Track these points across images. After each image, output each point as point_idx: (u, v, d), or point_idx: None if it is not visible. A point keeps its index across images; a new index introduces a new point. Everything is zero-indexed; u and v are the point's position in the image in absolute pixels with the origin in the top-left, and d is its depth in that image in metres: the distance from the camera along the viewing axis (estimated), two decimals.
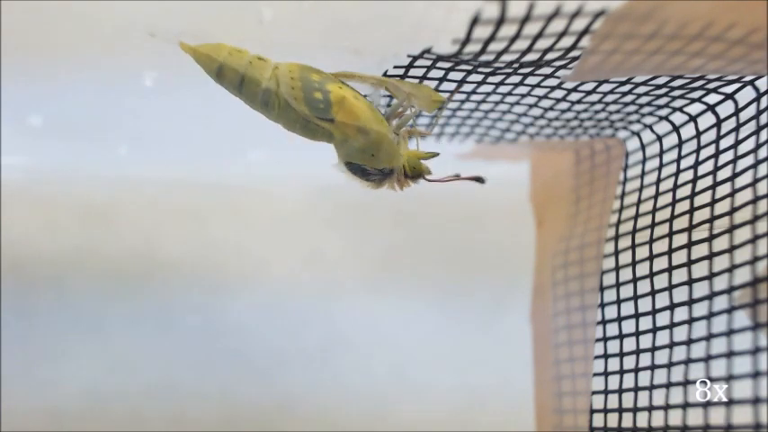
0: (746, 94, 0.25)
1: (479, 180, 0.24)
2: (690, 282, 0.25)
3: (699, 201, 0.26)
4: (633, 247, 0.28)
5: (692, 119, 0.27)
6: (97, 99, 0.40)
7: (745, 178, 0.24)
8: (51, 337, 0.46)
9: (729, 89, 0.26)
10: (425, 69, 0.25)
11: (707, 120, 0.27)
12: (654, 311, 0.26)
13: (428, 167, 0.25)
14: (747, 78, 0.25)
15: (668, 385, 0.24)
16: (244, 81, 0.23)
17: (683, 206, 0.26)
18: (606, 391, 0.28)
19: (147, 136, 0.43)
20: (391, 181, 0.25)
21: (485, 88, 0.27)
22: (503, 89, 0.27)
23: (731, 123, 0.25)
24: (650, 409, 0.25)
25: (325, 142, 0.25)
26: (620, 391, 0.27)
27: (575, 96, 0.28)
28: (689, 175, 0.27)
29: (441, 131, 0.32)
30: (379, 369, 0.48)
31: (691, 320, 0.24)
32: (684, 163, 0.27)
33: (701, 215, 0.25)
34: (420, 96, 0.25)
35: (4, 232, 0.45)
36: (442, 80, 0.26)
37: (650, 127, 0.30)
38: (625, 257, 0.28)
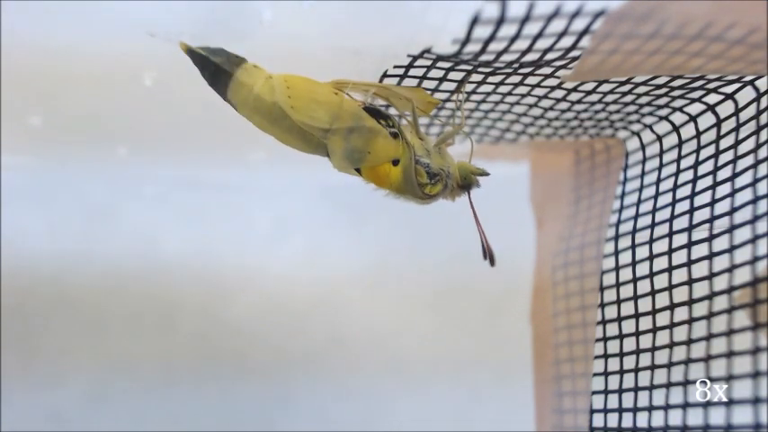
0: (746, 94, 0.25)
1: (490, 256, 0.25)
2: (690, 282, 0.25)
3: (699, 201, 0.26)
4: (633, 247, 0.28)
5: (692, 119, 0.27)
6: (97, 99, 0.40)
7: (745, 178, 0.24)
8: (51, 337, 0.46)
9: (729, 89, 0.26)
10: (425, 69, 0.25)
11: (707, 120, 0.27)
12: (654, 311, 0.26)
13: (478, 181, 0.26)
14: (747, 78, 0.25)
15: (668, 385, 0.24)
16: (237, 85, 0.23)
17: (683, 206, 0.26)
18: (606, 391, 0.28)
19: (147, 136, 0.43)
20: (446, 191, 0.25)
21: (485, 88, 0.27)
22: (503, 89, 0.27)
23: (731, 123, 0.25)
24: (650, 409, 0.25)
25: (318, 154, 0.25)
26: (620, 391, 0.27)
27: (575, 96, 0.28)
28: (689, 175, 0.27)
29: (441, 131, 0.32)
30: (379, 369, 0.48)
31: (691, 320, 0.24)
32: (684, 163, 0.27)
33: (700, 215, 0.25)
34: (416, 99, 0.25)
35: (4, 232, 0.45)
36: (442, 80, 0.26)
37: (650, 127, 0.30)
38: (625, 257, 0.28)
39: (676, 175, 0.27)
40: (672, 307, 0.25)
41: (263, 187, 0.48)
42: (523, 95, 0.28)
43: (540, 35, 0.21)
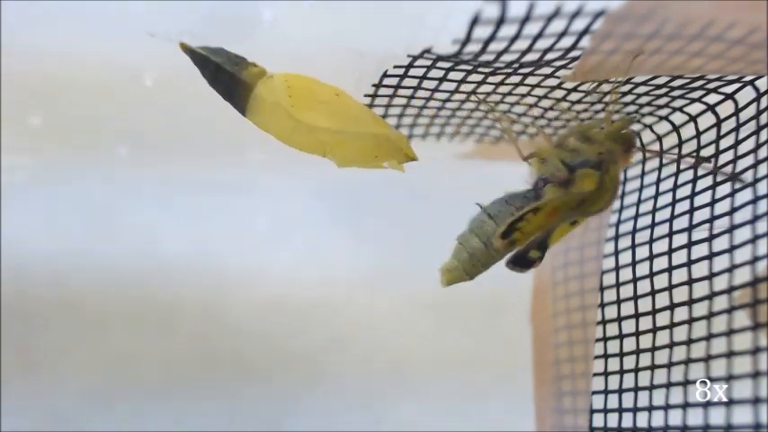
0: (746, 94, 0.25)
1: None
2: (690, 282, 0.25)
3: (699, 201, 0.26)
4: (633, 247, 0.28)
5: (692, 119, 0.27)
6: (97, 99, 0.40)
7: (745, 178, 0.24)
8: (51, 337, 0.46)
9: (729, 89, 0.26)
10: (425, 69, 0.25)
11: (707, 120, 0.27)
12: (654, 311, 0.26)
13: (633, 133, 0.25)
14: (747, 78, 0.25)
15: (668, 385, 0.24)
16: (238, 85, 0.23)
17: (683, 206, 0.26)
18: (606, 391, 0.28)
19: (147, 136, 0.43)
20: (606, 167, 0.24)
21: (485, 88, 0.27)
22: (503, 89, 0.27)
23: (731, 123, 0.25)
24: (650, 409, 0.25)
25: (317, 154, 0.25)
26: (620, 391, 0.27)
27: (575, 96, 0.28)
28: (689, 175, 0.27)
29: (441, 131, 0.32)
30: (379, 369, 0.48)
31: (691, 320, 0.24)
32: (684, 163, 0.27)
33: (700, 215, 0.25)
34: (394, 147, 0.25)
35: (4, 232, 0.45)
36: (442, 80, 0.26)
37: (650, 127, 0.30)
38: (625, 257, 0.28)
39: (676, 175, 0.27)
40: (672, 307, 0.25)
41: (263, 187, 0.48)
42: (523, 95, 0.28)
43: (540, 35, 0.21)
